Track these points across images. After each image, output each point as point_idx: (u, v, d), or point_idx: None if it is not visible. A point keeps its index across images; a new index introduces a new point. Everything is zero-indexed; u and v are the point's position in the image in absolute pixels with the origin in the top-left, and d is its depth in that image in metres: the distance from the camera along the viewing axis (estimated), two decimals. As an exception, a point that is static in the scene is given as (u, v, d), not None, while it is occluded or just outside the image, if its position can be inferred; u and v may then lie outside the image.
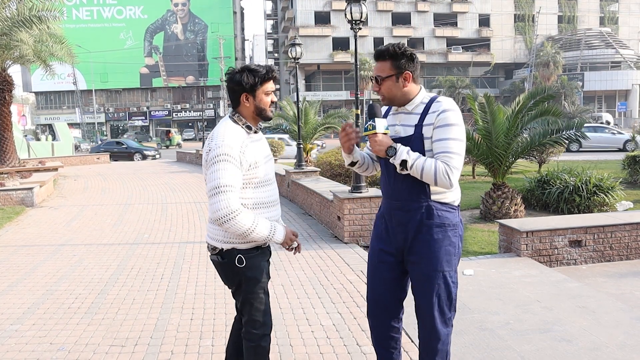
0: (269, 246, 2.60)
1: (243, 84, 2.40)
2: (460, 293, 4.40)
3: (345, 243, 6.51)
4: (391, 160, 2.36)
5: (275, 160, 17.16)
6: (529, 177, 9.58)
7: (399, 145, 2.35)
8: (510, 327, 3.72)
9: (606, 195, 8.29)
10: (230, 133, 2.37)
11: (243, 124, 2.44)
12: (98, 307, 4.45)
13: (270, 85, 2.46)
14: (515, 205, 8.08)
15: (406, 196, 2.42)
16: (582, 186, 8.38)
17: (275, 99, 2.52)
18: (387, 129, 2.40)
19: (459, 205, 2.49)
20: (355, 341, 3.60)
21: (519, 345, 3.41)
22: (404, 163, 2.32)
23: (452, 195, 2.43)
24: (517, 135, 8.05)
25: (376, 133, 2.37)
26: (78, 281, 5.25)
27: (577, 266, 5.49)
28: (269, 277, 2.59)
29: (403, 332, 3.53)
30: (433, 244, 2.38)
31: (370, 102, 2.44)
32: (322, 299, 4.49)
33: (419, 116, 2.39)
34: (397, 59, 2.38)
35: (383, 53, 2.40)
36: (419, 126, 2.38)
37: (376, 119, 2.38)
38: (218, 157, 2.30)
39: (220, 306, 4.38)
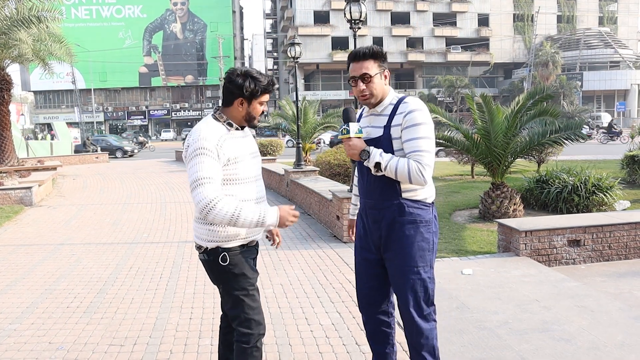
0: (255, 244, 2.59)
1: (244, 89, 2.38)
2: (459, 292, 4.42)
3: (344, 242, 6.51)
4: (365, 163, 2.44)
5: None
6: (527, 177, 9.58)
7: (372, 148, 2.43)
8: (509, 326, 3.73)
9: (605, 195, 8.29)
10: (208, 128, 2.37)
11: (224, 121, 2.43)
12: (97, 307, 4.45)
13: (266, 97, 2.47)
14: (514, 204, 8.08)
15: (379, 195, 2.51)
16: (581, 186, 8.39)
17: (266, 109, 2.52)
18: (360, 132, 2.47)
19: (432, 202, 2.57)
20: (354, 340, 3.61)
21: (518, 345, 3.42)
22: (377, 165, 2.40)
23: (424, 193, 2.51)
24: (516, 135, 8.05)
25: (350, 137, 2.44)
26: (77, 280, 5.25)
27: (576, 266, 5.50)
28: (257, 273, 2.58)
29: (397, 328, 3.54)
30: (405, 241, 2.47)
31: (345, 107, 2.50)
32: (321, 298, 4.50)
33: (387, 117, 2.48)
34: (378, 57, 2.48)
35: (367, 52, 2.48)
36: (387, 127, 2.46)
37: (350, 123, 2.46)
38: (195, 152, 2.32)
39: (219, 306, 4.37)
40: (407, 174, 2.36)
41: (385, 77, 2.50)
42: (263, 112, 2.49)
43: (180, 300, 4.55)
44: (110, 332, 3.89)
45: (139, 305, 4.45)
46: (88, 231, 7.81)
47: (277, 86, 2.55)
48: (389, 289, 2.68)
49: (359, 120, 2.65)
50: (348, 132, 2.44)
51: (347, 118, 2.49)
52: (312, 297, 4.53)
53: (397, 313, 2.72)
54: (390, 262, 2.54)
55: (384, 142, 2.45)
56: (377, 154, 2.40)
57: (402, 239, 2.47)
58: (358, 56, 2.47)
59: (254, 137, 2.76)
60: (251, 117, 2.46)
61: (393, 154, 2.43)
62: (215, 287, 4.92)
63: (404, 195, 2.47)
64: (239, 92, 2.39)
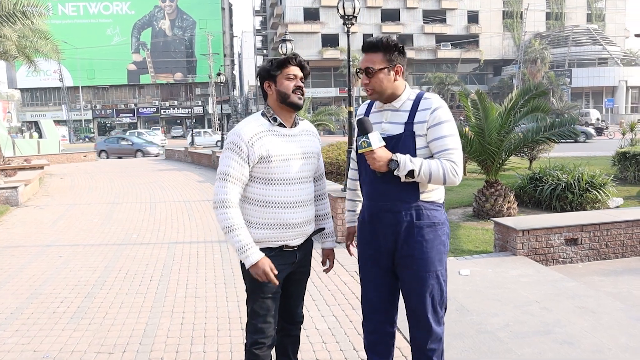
0: (290, 252, 2.44)
1: (264, 70, 2.40)
2: (457, 294, 4.33)
3: (339, 243, 6.40)
4: (395, 172, 2.25)
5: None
6: (521, 175, 9.54)
7: (399, 155, 2.24)
8: (510, 329, 3.64)
9: (598, 192, 8.27)
10: (247, 124, 2.36)
11: (270, 116, 2.38)
12: (84, 312, 4.30)
13: (292, 70, 2.36)
14: (509, 202, 8.03)
15: (395, 197, 2.34)
16: (574, 183, 8.36)
17: (300, 84, 2.37)
18: (381, 140, 2.26)
19: (443, 203, 2.45)
20: (352, 346, 3.50)
21: (520, 348, 3.33)
22: (410, 173, 2.23)
23: (438, 194, 2.40)
24: (510, 132, 7.99)
25: (372, 150, 2.23)
26: (64, 284, 5.09)
27: (573, 264, 5.44)
28: (277, 282, 2.37)
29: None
30: (425, 245, 2.33)
31: (359, 118, 2.32)
32: (316, 301, 4.38)
33: (408, 113, 2.33)
34: (389, 51, 2.32)
35: (376, 44, 2.33)
36: (409, 124, 2.31)
37: (369, 134, 2.24)
38: (227, 145, 2.34)
39: (212, 310, 4.25)
40: (442, 176, 2.23)
41: (397, 72, 2.34)
42: (300, 87, 2.36)
43: (171, 304, 4.41)
44: (98, 338, 3.75)
45: (128, 310, 4.31)
46: (76, 232, 7.63)
47: (298, 57, 2.39)
48: (398, 296, 2.54)
49: (367, 115, 2.46)
50: (369, 144, 2.22)
51: (363, 129, 2.26)
52: (307, 300, 4.38)
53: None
54: (406, 269, 2.37)
55: (406, 139, 2.29)
56: (407, 162, 2.21)
57: (422, 244, 2.32)
58: (366, 47, 2.35)
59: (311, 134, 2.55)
60: (284, 96, 2.34)
61: (415, 151, 2.28)
62: (208, 290, 4.80)
63: (421, 197, 2.33)
64: (263, 73, 2.40)
